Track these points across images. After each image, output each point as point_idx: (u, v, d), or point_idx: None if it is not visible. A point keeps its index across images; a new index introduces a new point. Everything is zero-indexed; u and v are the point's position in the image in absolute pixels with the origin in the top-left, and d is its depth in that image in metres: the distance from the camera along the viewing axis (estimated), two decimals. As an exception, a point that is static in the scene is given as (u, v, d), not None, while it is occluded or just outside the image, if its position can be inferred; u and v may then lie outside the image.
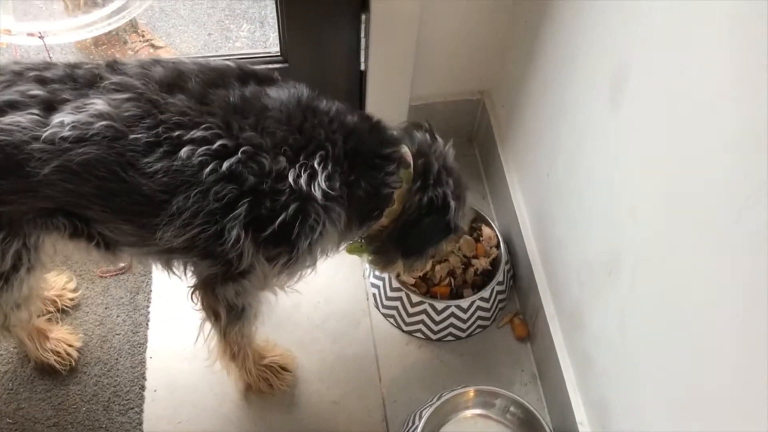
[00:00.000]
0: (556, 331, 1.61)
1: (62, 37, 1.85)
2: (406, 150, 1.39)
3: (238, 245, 1.24)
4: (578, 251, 1.47)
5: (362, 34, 1.74)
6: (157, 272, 1.80)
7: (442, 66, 1.90)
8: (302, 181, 1.22)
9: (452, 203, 1.41)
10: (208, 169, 1.18)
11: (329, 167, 1.25)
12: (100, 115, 1.16)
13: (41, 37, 1.79)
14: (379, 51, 1.77)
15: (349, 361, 1.74)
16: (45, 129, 1.13)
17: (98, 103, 1.17)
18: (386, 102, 1.89)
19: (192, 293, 1.43)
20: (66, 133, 1.13)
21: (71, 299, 1.76)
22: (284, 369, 1.68)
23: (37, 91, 1.17)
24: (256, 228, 1.24)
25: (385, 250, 1.51)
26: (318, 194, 1.23)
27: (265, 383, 1.65)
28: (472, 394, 1.60)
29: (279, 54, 1.82)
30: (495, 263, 1.79)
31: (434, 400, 1.59)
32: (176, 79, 1.23)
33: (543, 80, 1.61)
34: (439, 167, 1.41)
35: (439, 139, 1.47)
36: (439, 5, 1.71)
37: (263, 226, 1.24)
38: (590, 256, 1.41)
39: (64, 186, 1.17)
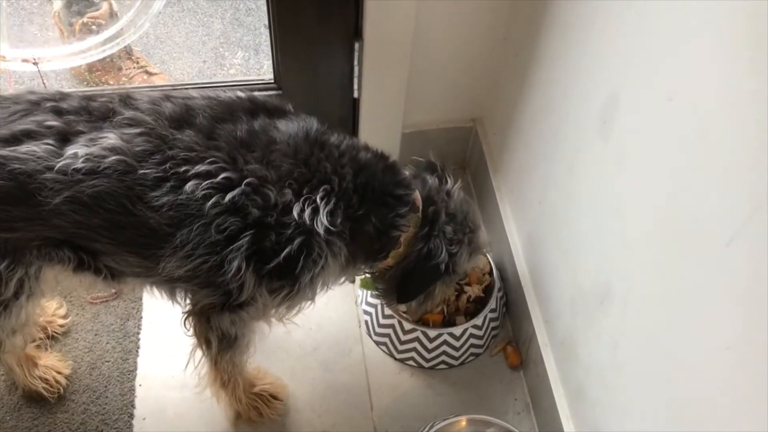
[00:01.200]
0: (549, 360, 1.60)
1: (57, 64, 1.86)
2: (416, 194, 1.40)
3: (238, 276, 1.24)
4: (570, 279, 1.47)
5: (355, 62, 1.75)
6: (148, 298, 1.80)
7: (435, 94, 1.91)
8: (306, 215, 1.23)
9: (444, 249, 1.42)
10: (210, 202, 1.19)
11: (332, 202, 1.26)
12: (113, 149, 1.17)
13: (35, 64, 1.80)
14: (372, 78, 1.78)
15: (340, 390, 1.72)
16: (59, 159, 1.15)
17: (111, 137, 1.18)
18: (379, 129, 1.89)
19: (185, 319, 1.42)
20: (79, 164, 1.15)
21: (61, 326, 1.75)
22: (275, 397, 1.66)
23: (53, 122, 1.19)
24: (259, 260, 1.25)
25: (388, 291, 1.53)
26: (320, 229, 1.24)
27: (256, 412, 1.63)
28: (464, 423, 1.58)
29: (273, 81, 1.83)
30: (488, 290, 1.78)
31: (426, 429, 1.57)
32: (185, 115, 1.25)
33: (535, 109, 1.61)
34: (445, 217, 1.43)
35: (450, 180, 1.49)
36: (432, 33, 1.72)
37: (267, 258, 1.25)
38: (582, 285, 1.41)
39: (73, 217, 1.18)
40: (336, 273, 1.38)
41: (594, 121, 1.30)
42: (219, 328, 1.39)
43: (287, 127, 1.29)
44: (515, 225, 1.79)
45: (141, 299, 1.81)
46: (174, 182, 1.19)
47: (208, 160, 1.20)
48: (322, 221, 1.25)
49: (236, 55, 2.54)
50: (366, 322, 1.80)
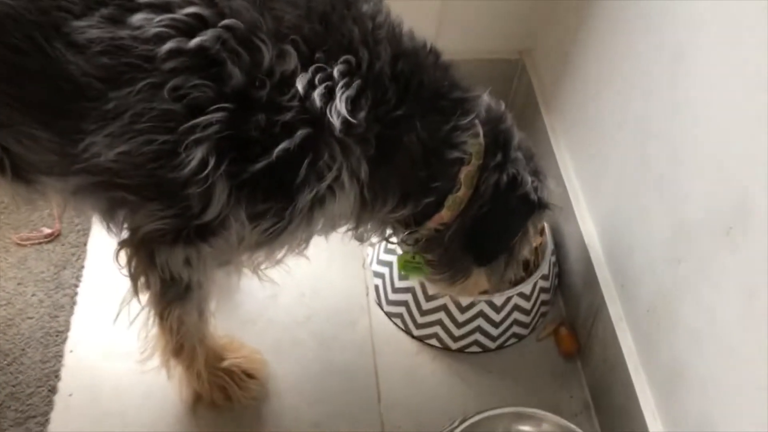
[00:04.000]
0: (625, 338, 1.17)
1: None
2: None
3: (203, 176, 0.83)
4: (669, 215, 1.05)
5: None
6: (94, 244, 1.39)
7: (476, 16, 1.54)
8: (316, 95, 0.83)
9: (527, 176, 1.01)
10: (166, 47, 0.79)
11: (356, 84, 0.85)
12: None
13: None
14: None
15: (339, 373, 1.29)
16: None
17: None
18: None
19: (120, 250, 1.00)
20: None
21: (-27, 269, 1.33)
22: (250, 376, 1.24)
23: None
24: (239, 157, 0.84)
25: (450, 259, 1.08)
26: (336, 120, 0.83)
27: (222, 393, 1.21)
28: (505, 418, 1.15)
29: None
30: (538, 253, 1.36)
31: (456, 427, 1.14)
32: None
33: (610, 13, 1.23)
34: (519, 139, 1.02)
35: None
36: None
37: (250, 154, 0.84)
38: (692, 216, 0.99)
39: None
40: (348, 206, 0.95)
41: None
42: (166, 268, 0.96)
43: None
44: (575, 171, 1.39)
45: (85, 244, 1.39)
46: (113, 10, 0.80)
47: None
48: (339, 109, 0.84)
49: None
50: (376, 287, 1.38)
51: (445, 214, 1.01)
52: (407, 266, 1.18)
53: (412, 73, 0.91)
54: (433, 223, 1.03)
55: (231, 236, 0.92)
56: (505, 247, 1.08)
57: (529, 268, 1.35)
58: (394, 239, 1.12)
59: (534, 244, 1.36)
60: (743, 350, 0.90)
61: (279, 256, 1.04)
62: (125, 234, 0.99)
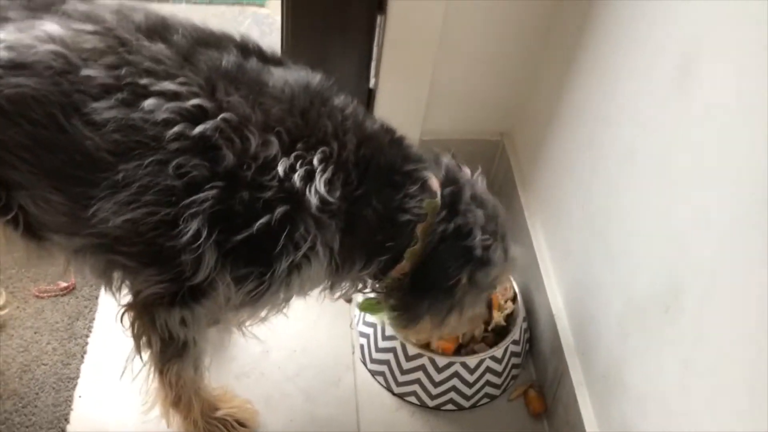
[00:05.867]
0: (584, 401, 1.29)
1: None
2: (431, 175, 1.13)
3: (195, 245, 0.96)
4: (621, 293, 1.19)
5: (375, 43, 1.54)
6: (105, 298, 1.52)
7: (462, 99, 1.68)
8: (297, 177, 0.97)
9: (477, 231, 1.14)
10: (173, 131, 0.93)
11: (330, 170, 1.00)
12: (50, 39, 0.92)
13: None
14: (393, 66, 1.56)
15: (323, 425, 1.40)
16: None
17: (50, 26, 0.93)
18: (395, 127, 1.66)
19: (124, 313, 1.14)
20: None
21: (-5, 318, 1.45)
22: (242, 424, 1.34)
23: None
24: (226, 228, 0.97)
25: (406, 303, 1.21)
26: (314, 199, 0.98)
27: (217, 440, 1.31)
28: (475, 472, 1.27)
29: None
30: (510, 319, 1.49)
31: (427, 477, 1.25)
32: (159, 27, 1.00)
33: (577, 103, 1.38)
34: (470, 194, 1.16)
35: (465, 168, 1.23)
36: (463, 30, 1.52)
37: (236, 226, 0.97)
38: (638, 296, 1.13)
39: None
40: (321, 272, 1.08)
41: (668, 78, 1.06)
42: (165, 329, 1.09)
43: (284, 74, 1.05)
44: (546, 243, 1.52)
45: (97, 298, 1.52)
46: (127, 95, 0.93)
47: (179, 80, 0.95)
48: (318, 189, 0.98)
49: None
50: (362, 346, 1.50)
51: (404, 265, 1.14)
52: (369, 307, 1.32)
53: (372, 156, 1.05)
54: (395, 273, 1.16)
55: (219, 297, 1.04)
56: (439, 288, 1.16)
57: (501, 334, 1.47)
58: (367, 290, 1.25)
59: (507, 311, 1.51)
60: (681, 413, 1.02)
61: (262, 314, 1.18)
62: (128, 298, 1.13)
